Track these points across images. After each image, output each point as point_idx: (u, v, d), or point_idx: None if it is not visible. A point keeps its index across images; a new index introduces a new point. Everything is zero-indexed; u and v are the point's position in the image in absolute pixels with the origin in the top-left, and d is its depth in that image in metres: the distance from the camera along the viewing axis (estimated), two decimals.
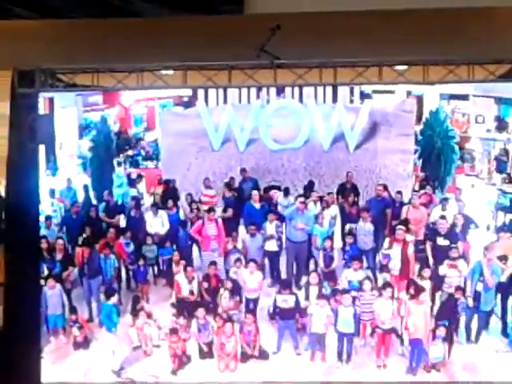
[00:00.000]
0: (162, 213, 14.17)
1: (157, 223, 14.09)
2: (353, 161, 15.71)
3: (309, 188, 14.81)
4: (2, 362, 11.72)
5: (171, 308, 12.79)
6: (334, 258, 13.01)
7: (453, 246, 12.65)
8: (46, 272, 12.77)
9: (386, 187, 14.26)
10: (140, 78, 11.81)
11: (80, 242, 13.45)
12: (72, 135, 16.27)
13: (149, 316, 12.49)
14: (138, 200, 14.86)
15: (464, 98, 16.09)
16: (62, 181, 15.33)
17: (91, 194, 15.41)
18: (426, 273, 12.25)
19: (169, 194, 15.04)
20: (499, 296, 12.34)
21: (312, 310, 11.96)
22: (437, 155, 15.33)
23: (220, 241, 13.51)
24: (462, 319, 12.24)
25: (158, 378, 12.04)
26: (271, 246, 13.57)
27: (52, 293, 12.52)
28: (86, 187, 15.32)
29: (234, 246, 13.44)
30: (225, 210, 14.30)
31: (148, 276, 13.73)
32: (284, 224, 13.75)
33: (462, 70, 11.55)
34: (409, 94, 16.06)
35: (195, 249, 14.07)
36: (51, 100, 15.51)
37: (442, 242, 12.88)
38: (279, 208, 14.23)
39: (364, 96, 15.86)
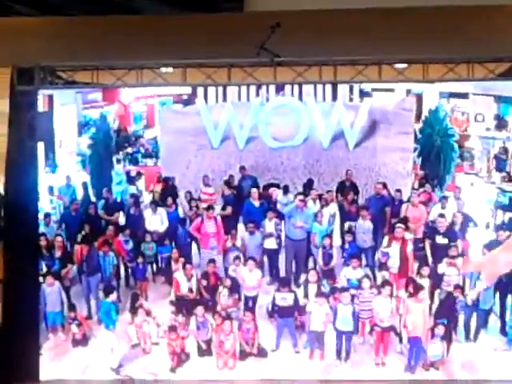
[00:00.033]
0: (161, 210, 14.17)
1: (156, 221, 14.08)
2: (352, 159, 15.71)
3: (308, 186, 14.82)
4: (0, 359, 11.73)
5: (170, 306, 12.80)
6: (333, 256, 13.01)
7: (452, 244, 12.66)
8: (44, 269, 12.77)
9: (385, 185, 14.26)
10: (139, 76, 11.81)
11: (79, 240, 13.46)
12: (71, 132, 16.26)
13: (148, 313, 12.48)
14: (136, 197, 14.86)
15: (464, 96, 16.08)
16: (61, 178, 15.33)
17: (90, 191, 15.41)
18: (425, 271, 12.25)
19: (168, 192, 15.04)
20: (498, 294, 12.34)
21: (311, 307, 11.95)
22: (436, 153, 15.33)
23: (219, 239, 13.50)
24: (461, 317, 12.24)
25: (156, 376, 12.04)
26: (270, 243, 13.57)
27: (51, 290, 12.52)
28: (85, 184, 15.32)
29: (233, 244, 13.43)
30: (224, 208, 14.30)
31: (147, 273, 13.73)
32: (283, 222, 13.75)
33: (462, 69, 11.55)
34: (408, 92, 16.06)
35: (194, 246, 14.08)
36: (50, 97, 15.50)
37: (441, 240, 12.88)
38: (278, 206, 14.23)
39: (363, 94, 15.86)
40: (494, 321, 12.46)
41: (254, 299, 12.69)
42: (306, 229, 13.48)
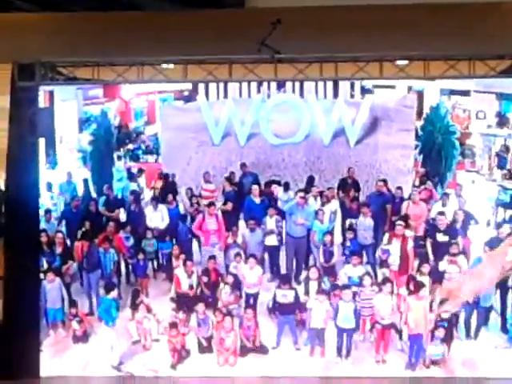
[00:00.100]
0: (162, 207, 14.16)
1: (157, 217, 14.08)
2: (353, 156, 15.72)
3: (309, 183, 14.81)
4: (1, 355, 11.72)
5: (171, 302, 12.79)
6: (334, 253, 13.00)
7: (453, 241, 12.62)
8: (45, 266, 12.75)
9: (386, 182, 14.24)
10: (140, 72, 11.78)
11: (79, 236, 13.42)
12: (72, 129, 16.29)
13: (148, 310, 12.47)
14: (137, 194, 14.86)
15: (465, 93, 16.10)
16: (61, 174, 15.35)
17: (91, 187, 15.44)
18: (426, 268, 12.22)
19: (167, 189, 15.04)
20: (498, 292, 12.33)
21: (311, 304, 11.94)
22: (437, 151, 15.35)
23: (220, 235, 13.48)
24: (462, 315, 12.22)
25: (157, 373, 12.02)
26: (271, 240, 13.57)
27: (51, 286, 12.50)
28: (85, 181, 15.35)
29: (234, 241, 13.42)
30: (225, 204, 14.29)
31: (148, 270, 13.74)
32: (284, 219, 13.74)
33: (463, 66, 11.52)
34: (409, 89, 16.08)
35: (195, 243, 14.08)
36: (51, 93, 15.53)
37: (441, 237, 12.86)
38: (279, 203, 14.23)
39: (365, 91, 15.88)
40: (494, 318, 12.45)
41: (255, 296, 12.68)
42: (306, 226, 13.48)
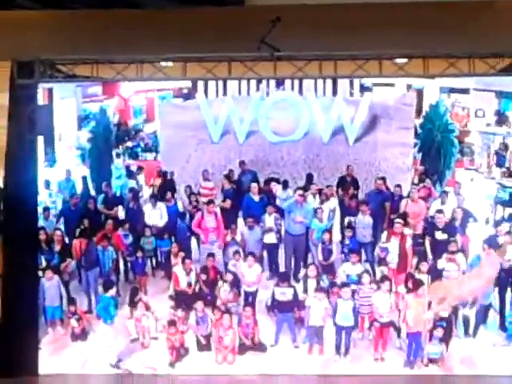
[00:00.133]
0: (161, 205, 14.15)
1: (155, 215, 14.07)
2: (352, 154, 15.69)
3: (308, 181, 14.79)
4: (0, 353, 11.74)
5: (169, 300, 12.81)
6: (333, 251, 13.00)
7: (451, 239, 12.63)
8: (43, 263, 12.77)
9: (385, 180, 14.23)
10: (139, 70, 11.79)
11: (78, 234, 13.41)
12: (71, 126, 16.23)
13: (147, 308, 12.48)
14: (136, 192, 14.83)
15: (464, 91, 16.06)
16: (60, 172, 15.31)
17: (90, 185, 15.40)
18: (424, 266, 12.23)
19: (166, 186, 15.02)
20: (497, 290, 12.33)
21: (310, 302, 11.95)
22: (436, 149, 15.32)
23: (219, 233, 13.48)
24: (460, 314, 12.22)
25: (155, 370, 12.04)
26: (270, 238, 13.57)
27: (50, 284, 12.51)
28: (84, 179, 15.31)
29: (233, 239, 13.41)
30: (223, 200, 14.28)
31: (146, 268, 13.73)
32: (283, 217, 13.72)
33: (463, 64, 11.53)
34: (409, 87, 16.03)
35: (194, 241, 14.06)
36: (50, 91, 15.48)
37: (440, 235, 12.85)
38: (278, 201, 14.21)
39: (364, 89, 15.83)
40: (493, 316, 12.45)
41: (254, 294, 12.68)
42: (305, 224, 13.46)
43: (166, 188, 14.87)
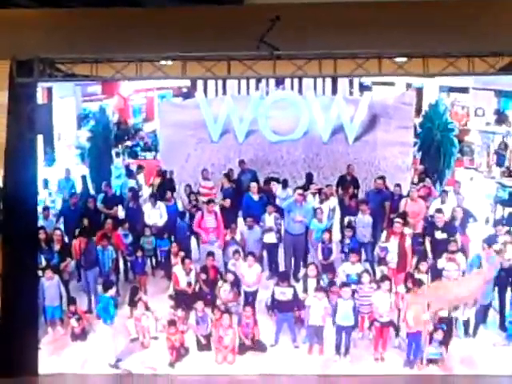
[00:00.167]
0: (161, 204, 14.14)
1: (155, 214, 14.06)
2: (352, 153, 15.72)
3: (308, 180, 14.79)
4: None
5: (169, 300, 12.80)
6: (333, 250, 12.98)
7: (451, 239, 12.61)
8: (43, 263, 12.74)
9: (384, 180, 14.22)
10: (139, 69, 11.75)
11: (77, 233, 13.39)
12: (70, 125, 16.26)
13: (147, 308, 12.45)
14: (135, 191, 14.83)
15: (464, 90, 16.10)
16: (60, 171, 15.32)
17: (89, 184, 15.42)
18: (424, 266, 12.20)
19: (166, 186, 15.02)
20: (497, 289, 12.32)
21: (310, 302, 11.93)
22: (436, 148, 15.34)
23: (219, 233, 13.47)
24: (460, 314, 12.21)
25: (155, 370, 12.01)
26: (270, 238, 13.56)
27: (50, 284, 12.48)
28: (84, 178, 15.32)
29: (233, 238, 13.39)
30: (223, 199, 14.27)
31: (146, 267, 13.72)
32: (283, 216, 13.71)
33: (462, 63, 11.50)
34: (409, 86, 16.08)
35: (193, 240, 14.06)
36: (49, 90, 15.48)
37: (440, 235, 12.83)
38: (277, 201, 14.20)
39: (364, 88, 15.87)
40: (493, 316, 12.45)
41: (254, 294, 12.67)
42: (305, 223, 13.45)
43: (165, 187, 14.87)
